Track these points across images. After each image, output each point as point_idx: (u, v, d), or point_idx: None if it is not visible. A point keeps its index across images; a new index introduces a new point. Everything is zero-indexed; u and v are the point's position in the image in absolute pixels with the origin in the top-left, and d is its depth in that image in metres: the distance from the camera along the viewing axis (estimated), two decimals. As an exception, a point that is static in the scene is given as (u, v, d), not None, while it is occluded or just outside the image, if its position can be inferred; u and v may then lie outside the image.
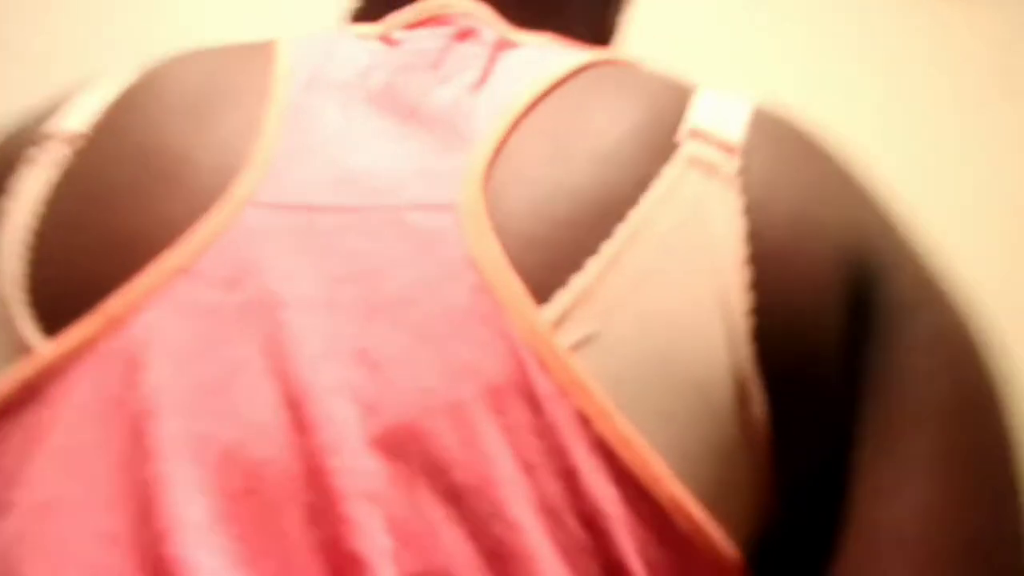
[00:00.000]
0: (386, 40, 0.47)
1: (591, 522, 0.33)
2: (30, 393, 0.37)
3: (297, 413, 0.35)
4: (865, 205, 0.42)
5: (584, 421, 0.34)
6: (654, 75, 0.45)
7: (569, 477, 0.34)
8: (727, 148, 0.40)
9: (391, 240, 0.38)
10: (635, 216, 0.38)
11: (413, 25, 0.48)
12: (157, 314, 0.37)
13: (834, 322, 0.38)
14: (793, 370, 0.37)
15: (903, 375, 0.38)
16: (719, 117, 0.42)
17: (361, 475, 0.34)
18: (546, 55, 0.46)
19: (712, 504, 0.35)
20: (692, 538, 0.35)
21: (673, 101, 0.42)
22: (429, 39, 0.47)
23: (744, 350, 0.36)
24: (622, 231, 0.38)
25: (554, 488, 0.34)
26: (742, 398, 0.36)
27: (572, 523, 0.34)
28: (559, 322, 0.36)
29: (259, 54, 0.47)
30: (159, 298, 0.38)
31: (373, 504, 0.33)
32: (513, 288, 0.36)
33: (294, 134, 0.42)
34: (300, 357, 0.35)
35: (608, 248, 0.37)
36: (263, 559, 0.33)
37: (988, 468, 0.38)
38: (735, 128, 0.41)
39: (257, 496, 0.34)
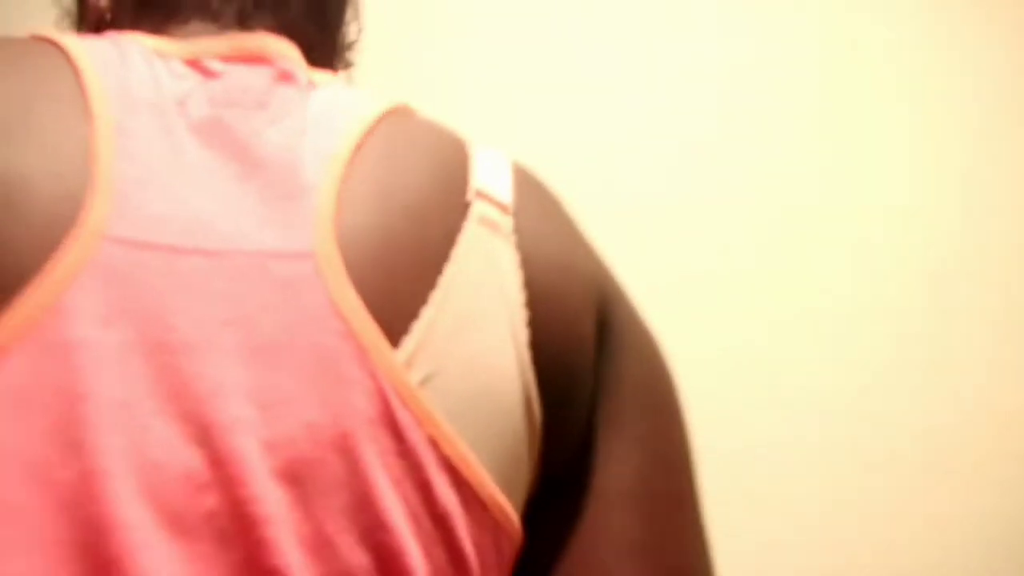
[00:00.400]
0: (198, 67, 0.49)
1: (440, 522, 0.43)
2: None
3: (208, 450, 0.39)
4: (595, 254, 0.54)
5: (434, 444, 0.43)
6: (432, 127, 0.52)
7: (425, 489, 0.43)
8: (503, 208, 0.49)
9: (257, 286, 0.42)
10: (450, 269, 0.46)
11: (229, 58, 0.50)
12: (26, 357, 0.38)
13: (588, 345, 0.50)
14: (561, 381, 0.49)
15: (626, 379, 0.52)
16: (493, 178, 0.50)
17: (270, 502, 0.40)
18: (347, 100, 0.51)
19: (508, 492, 0.46)
20: (502, 522, 0.46)
21: (457, 160, 0.50)
22: (253, 77, 0.49)
23: (529, 373, 0.47)
24: (443, 282, 0.45)
25: (415, 498, 0.42)
26: (529, 408, 0.47)
27: (427, 524, 0.43)
28: (408, 363, 0.43)
29: (47, 54, 0.46)
30: (26, 339, 0.38)
31: (282, 525, 0.40)
32: (373, 334, 0.43)
33: (126, 159, 0.42)
34: (197, 397, 0.39)
35: (435, 298, 0.45)
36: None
37: (678, 444, 0.53)
38: (505, 189, 0.50)
39: (183, 522, 0.39)
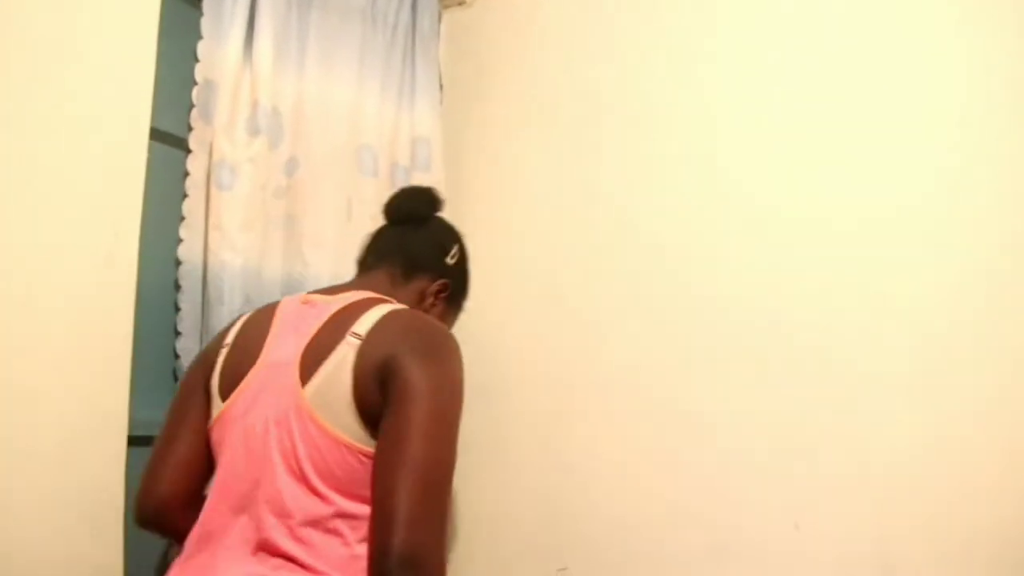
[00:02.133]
0: (308, 301, 1.43)
1: (316, 445, 1.26)
2: (219, 423, 1.37)
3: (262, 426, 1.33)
4: (397, 346, 1.28)
5: (312, 418, 1.28)
6: (359, 307, 1.38)
7: (310, 433, 1.27)
8: (359, 336, 1.31)
9: (279, 371, 1.34)
10: (330, 358, 1.30)
11: (326, 293, 1.46)
12: (240, 401, 1.36)
13: (376, 384, 1.27)
14: (366, 397, 1.27)
15: (399, 392, 1.25)
16: (362, 325, 1.32)
17: (271, 434, 1.30)
18: (341, 305, 1.40)
19: (348, 434, 1.26)
20: (347, 444, 1.26)
21: (353, 319, 1.34)
22: (322, 306, 1.40)
23: (351, 393, 1.27)
24: (326, 363, 1.30)
25: (306, 436, 1.27)
26: (352, 405, 1.27)
27: (311, 445, 1.27)
28: (307, 391, 1.30)
29: (270, 307, 1.46)
30: (239, 394, 1.36)
31: (273, 442, 1.30)
32: (297, 381, 1.31)
33: (274, 336, 1.39)
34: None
35: (321, 368, 1.30)
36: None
37: (418, 419, 1.22)
38: (366, 326, 1.32)
39: (252, 444, 1.33)
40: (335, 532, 1.23)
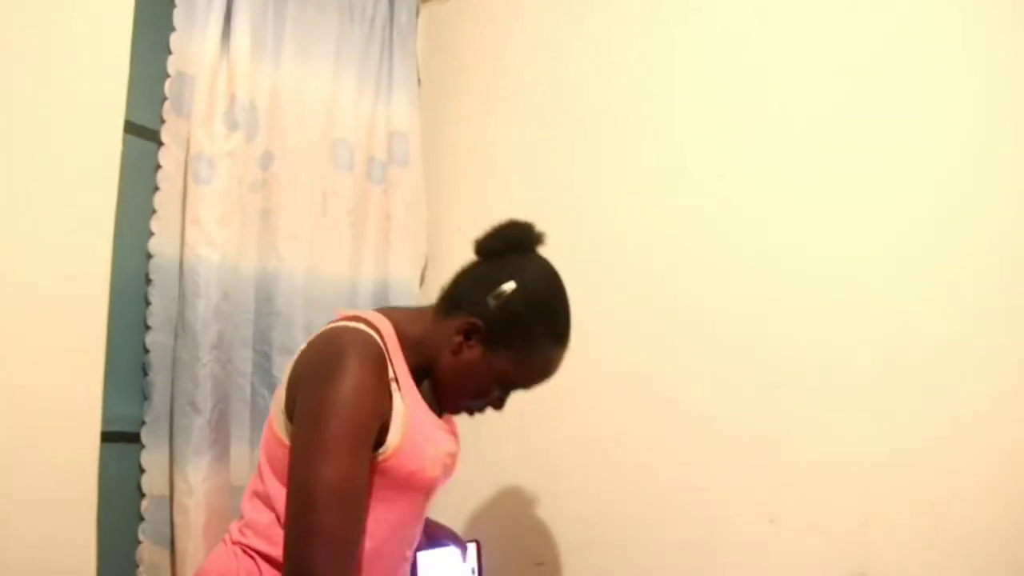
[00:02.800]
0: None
1: (273, 444, 1.35)
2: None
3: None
4: (303, 362, 1.34)
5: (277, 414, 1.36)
6: (327, 332, 1.38)
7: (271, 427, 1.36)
8: (297, 354, 1.39)
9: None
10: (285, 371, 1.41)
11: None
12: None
13: (292, 389, 1.33)
14: (289, 409, 1.31)
15: (302, 397, 1.29)
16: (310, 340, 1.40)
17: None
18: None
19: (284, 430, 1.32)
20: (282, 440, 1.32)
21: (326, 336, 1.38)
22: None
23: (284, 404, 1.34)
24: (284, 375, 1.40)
25: (268, 433, 1.37)
26: (287, 406, 1.32)
27: (271, 439, 1.36)
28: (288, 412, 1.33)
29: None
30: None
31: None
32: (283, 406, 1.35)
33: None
34: None
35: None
36: None
37: (326, 447, 1.21)
38: (304, 345, 1.39)
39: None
40: None
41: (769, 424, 1.84)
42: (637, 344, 2.03)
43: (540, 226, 2.11)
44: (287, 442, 1.29)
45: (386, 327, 1.38)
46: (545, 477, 2.08)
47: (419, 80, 2.40)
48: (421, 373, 1.40)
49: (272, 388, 1.93)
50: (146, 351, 1.79)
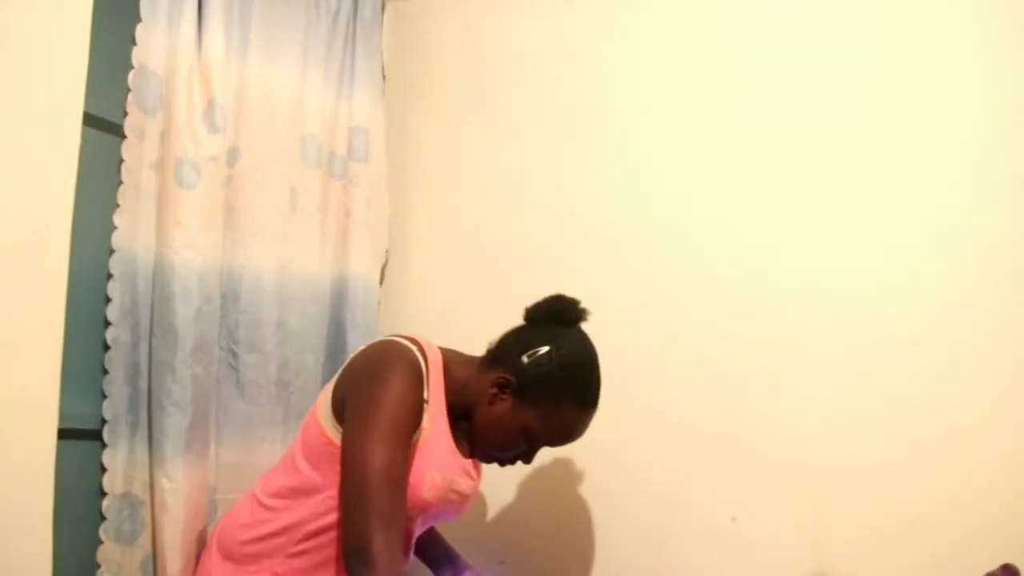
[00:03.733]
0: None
1: (315, 438, 1.54)
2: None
3: None
4: (351, 366, 1.58)
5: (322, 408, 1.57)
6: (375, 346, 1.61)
7: (314, 421, 1.56)
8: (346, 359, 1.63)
9: None
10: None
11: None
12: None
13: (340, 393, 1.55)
14: (342, 402, 1.52)
15: (351, 392, 1.51)
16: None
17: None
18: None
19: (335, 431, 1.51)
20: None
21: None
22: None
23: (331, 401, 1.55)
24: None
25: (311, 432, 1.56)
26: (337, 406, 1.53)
27: (316, 437, 1.54)
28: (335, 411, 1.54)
29: None
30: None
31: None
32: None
33: None
34: None
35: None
36: None
37: (372, 435, 1.42)
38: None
39: None
40: None
41: (732, 423, 1.86)
42: (600, 344, 2.03)
43: (505, 222, 2.13)
44: (335, 440, 1.48)
45: (435, 357, 1.58)
46: (507, 476, 2.08)
47: (384, 76, 2.38)
48: (456, 413, 1.58)
49: (240, 387, 1.93)
50: (106, 347, 1.76)
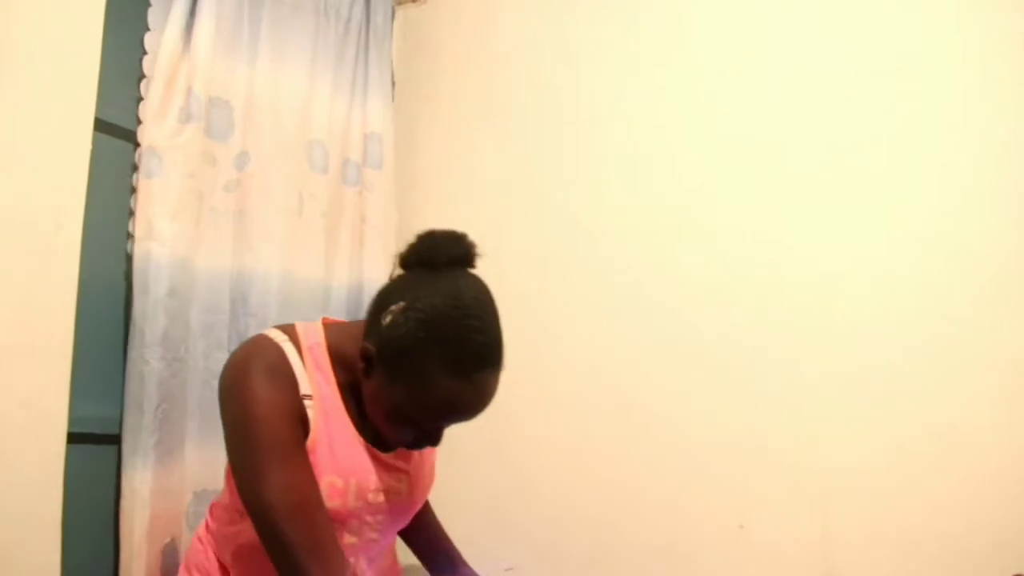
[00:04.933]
0: None
1: None
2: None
3: None
4: (219, 387, 1.28)
5: None
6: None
7: None
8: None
9: None
10: None
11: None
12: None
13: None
14: None
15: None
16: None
17: None
18: None
19: None
20: None
21: None
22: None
23: None
24: None
25: None
26: None
27: None
28: None
29: None
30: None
31: None
32: None
33: None
34: None
35: None
36: None
37: (242, 467, 1.21)
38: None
39: None
40: None
41: (740, 430, 1.85)
42: (609, 350, 2.03)
43: (515, 230, 2.10)
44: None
45: (313, 341, 1.31)
46: (516, 483, 2.07)
47: (394, 82, 2.39)
48: (360, 396, 1.29)
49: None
50: (106, 350, 1.76)
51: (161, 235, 1.76)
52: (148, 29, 1.82)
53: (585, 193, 2.12)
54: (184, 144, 1.81)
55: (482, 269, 2.23)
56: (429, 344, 1.19)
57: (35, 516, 1.49)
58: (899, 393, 1.71)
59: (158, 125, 1.79)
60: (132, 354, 1.74)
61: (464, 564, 1.62)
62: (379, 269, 2.22)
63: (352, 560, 1.32)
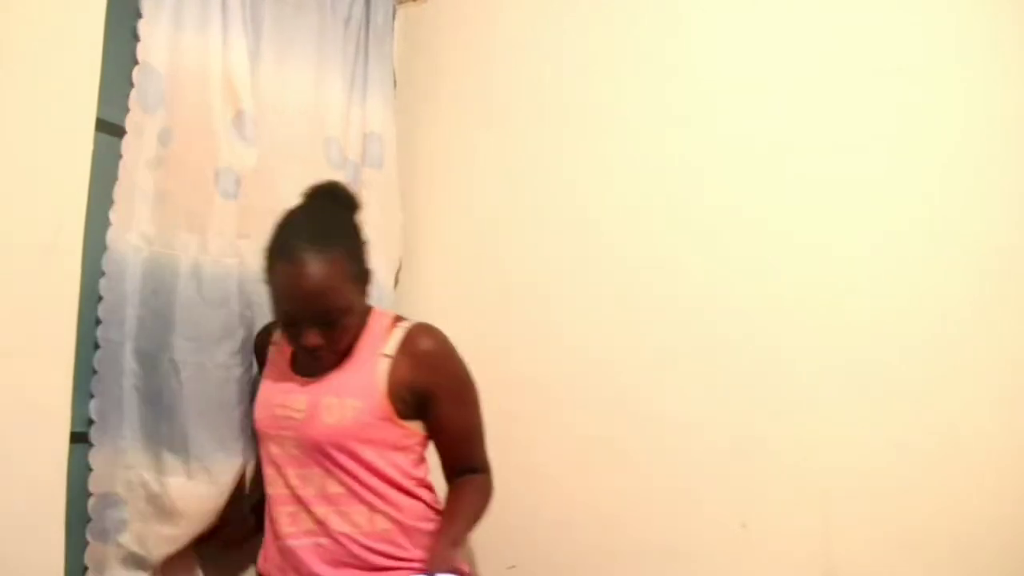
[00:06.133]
0: None
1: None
2: None
3: None
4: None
5: None
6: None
7: None
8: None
9: None
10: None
11: None
12: None
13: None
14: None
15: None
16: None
17: None
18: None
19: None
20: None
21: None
22: None
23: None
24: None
25: None
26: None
27: None
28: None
29: None
30: None
31: None
32: None
33: None
34: None
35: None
36: None
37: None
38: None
39: None
40: None
41: (742, 429, 1.85)
42: (611, 349, 2.03)
43: (516, 229, 2.12)
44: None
45: None
46: (518, 480, 2.07)
47: (395, 82, 2.39)
48: None
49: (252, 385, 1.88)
50: (97, 346, 1.70)
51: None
52: (140, 16, 1.79)
53: (587, 190, 2.11)
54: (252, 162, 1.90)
55: (484, 264, 2.24)
56: (267, 244, 1.58)
57: (39, 514, 1.49)
58: (900, 392, 1.71)
59: (227, 144, 1.86)
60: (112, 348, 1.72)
61: (438, 540, 1.61)
62: (379, 268, 2.20)
63: (277, 468, 1.62)
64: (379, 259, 2.20)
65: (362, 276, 1.64)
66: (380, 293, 2.19)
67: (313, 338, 1.56)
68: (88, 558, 1.68)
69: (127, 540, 1.68)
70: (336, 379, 1.61)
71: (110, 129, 1.74)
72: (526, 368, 2.13)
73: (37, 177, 1.51)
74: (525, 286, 2.16)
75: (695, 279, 1.95)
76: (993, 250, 1.67)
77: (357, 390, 1.59)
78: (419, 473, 1.66)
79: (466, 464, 1.71)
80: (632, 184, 2.06)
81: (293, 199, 1.85)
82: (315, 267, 1.51)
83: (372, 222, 2.19)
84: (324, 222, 1.60)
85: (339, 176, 2.10)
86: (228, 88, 1.87)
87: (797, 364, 1.81)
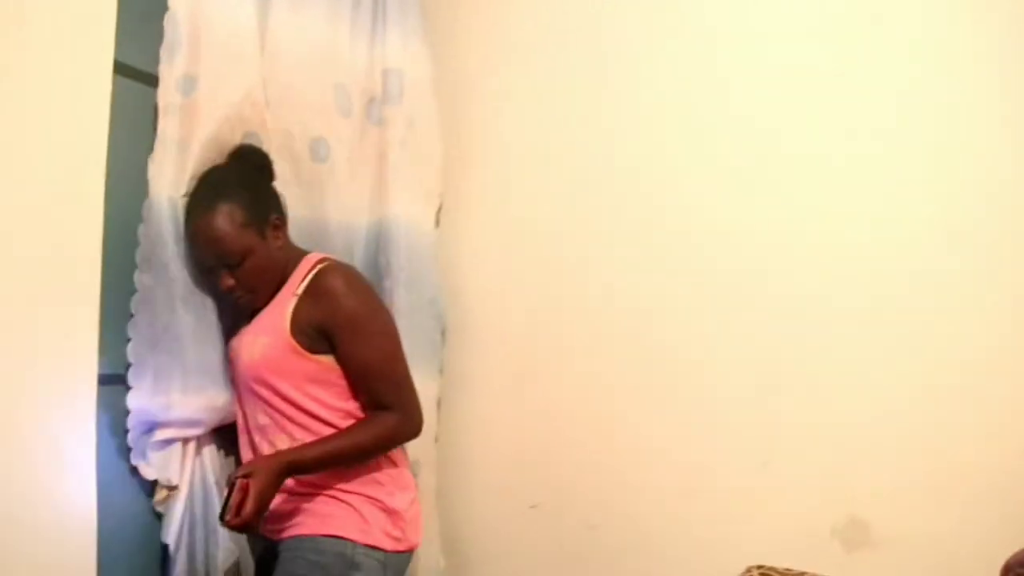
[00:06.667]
0: None
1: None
2: None
3: None
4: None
5: None
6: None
7: None
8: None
9: None
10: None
11: None
12: None
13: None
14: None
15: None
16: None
17: None
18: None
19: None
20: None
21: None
22: None
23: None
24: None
25: None
26: None
27: None
28: None
29: None
30: None
31: None
32: None
33: None
34: None
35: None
36: None
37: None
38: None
39: None
40: None
41: (764, 369, 1.86)
42: (633, 291, 2.03)
43: (543, 168, 2.09)
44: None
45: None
46: (540, 424, 2.09)
47: (422, 16, 2.31)
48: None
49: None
50: (134, 291, 1.75)
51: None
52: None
53: (617, 133, 2.09)
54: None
55: (516, 207, 2.22)
56: None
57: (69, 457, 1.51)
58: (922, 329, 1.71)
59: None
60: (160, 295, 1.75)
61: (277, 452, 1.71)
62: (404, 202, 2.19)
63: (239, 404, 1.80)
64: (404, 194, 2.17)
65: (260, 222, 1.74)
66: (409, 229, 2.17)
67: (226, 280, 1.74)
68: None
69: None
70: (258, 320, 1.78)
71: (129, 72, 1.72)
72: (546, 312, 2.14)
73: (56, 121, 1.50)
74: (547, 228, 2.16)
75: (721, 219, 1.94)
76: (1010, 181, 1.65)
77: (268, 328, 1.74)
78: (345, 405, 1.74)
79: (374, 400, 1.73)
80: (664, 127, 2.03)
81: (299, 148, 1.85)
82: (210, 218, 1.70)
83: (393, 158, 2.17)
84: (222, 179, 1.76)
85: (345, 124, 2.08)
86: (248, 38, 1.85)
87: (820, 302, 1.81)
